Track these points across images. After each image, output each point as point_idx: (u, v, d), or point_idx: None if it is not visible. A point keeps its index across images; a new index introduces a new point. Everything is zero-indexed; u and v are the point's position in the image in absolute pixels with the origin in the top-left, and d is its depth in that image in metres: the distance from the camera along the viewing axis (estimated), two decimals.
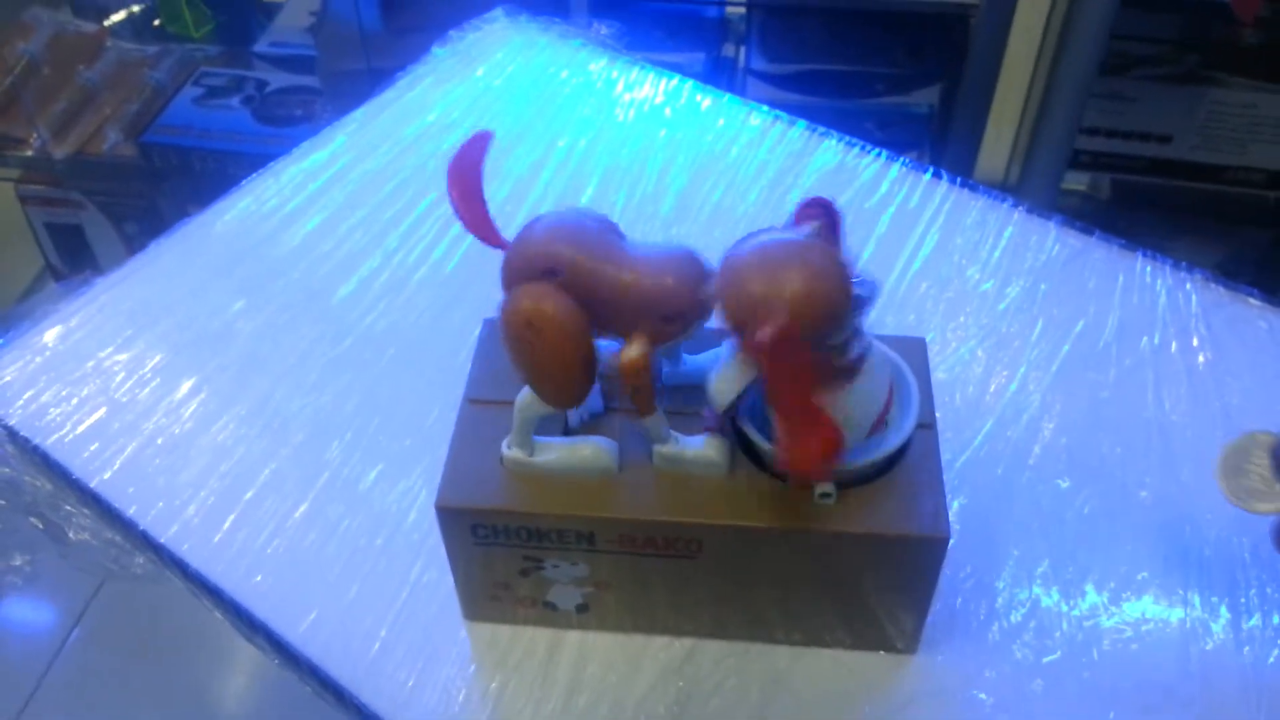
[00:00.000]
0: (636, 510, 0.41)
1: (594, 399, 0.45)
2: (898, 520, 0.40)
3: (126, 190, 1.37)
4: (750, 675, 0.46)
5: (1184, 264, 0.62)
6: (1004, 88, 1.21)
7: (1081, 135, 1.23)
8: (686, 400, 0.44)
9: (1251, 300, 0.60)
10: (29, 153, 1.34)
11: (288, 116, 1.32)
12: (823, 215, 0.38)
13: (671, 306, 0.39)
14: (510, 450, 0.42)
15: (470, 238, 0.42)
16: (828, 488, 0.41)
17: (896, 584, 0.43)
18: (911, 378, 0.43)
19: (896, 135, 1.22)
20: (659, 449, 0.42)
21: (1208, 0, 1.13)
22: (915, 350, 0.46)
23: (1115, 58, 1.21)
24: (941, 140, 1.25)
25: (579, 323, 0.39)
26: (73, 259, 1.48)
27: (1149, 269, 0.62)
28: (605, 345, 0.42)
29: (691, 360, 0.45)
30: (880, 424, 0.41)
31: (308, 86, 1.35)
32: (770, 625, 0.46)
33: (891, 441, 0.41)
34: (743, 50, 1.26)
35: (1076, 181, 1.35)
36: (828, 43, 1.21)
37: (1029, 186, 1.13)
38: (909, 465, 0.42)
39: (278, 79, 1.37)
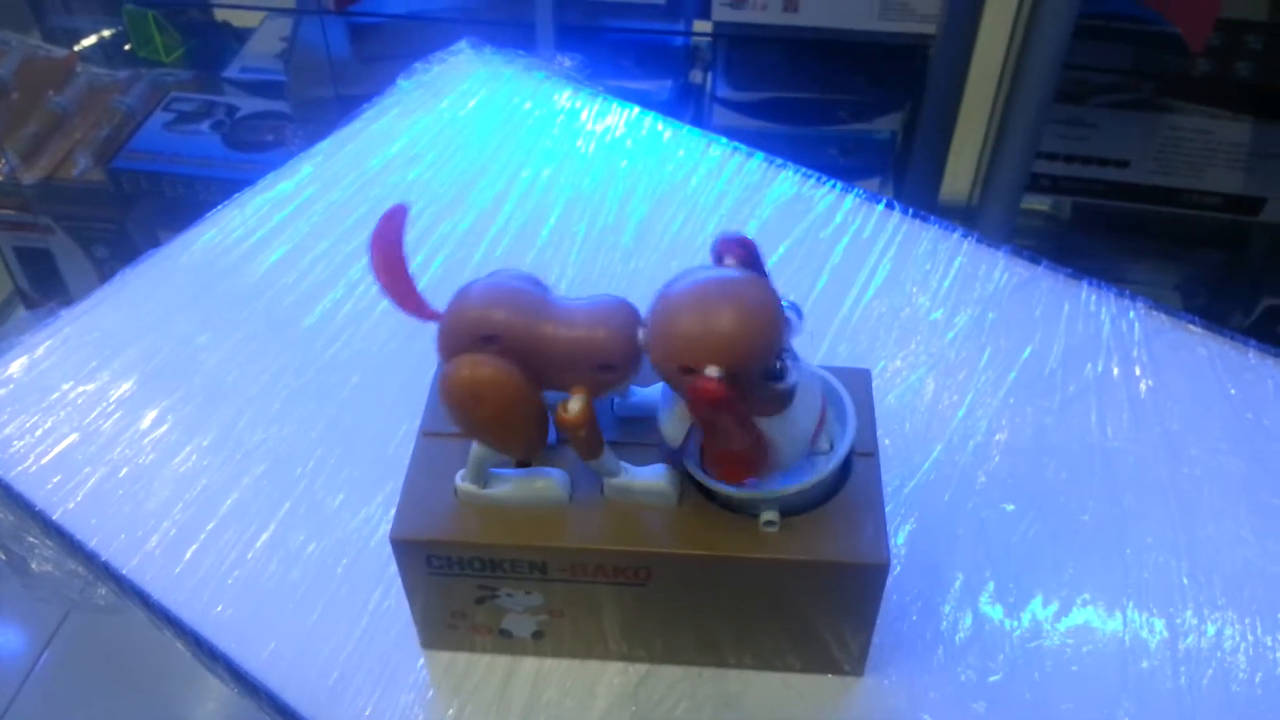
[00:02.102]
0: (586, 540, 0.42)
1: (551, 430, 0.46)
2: (839, 548, 0.42)
3: (96, 215, 1.38)
4: (702, 699, 0.47)
5: (1127, 292, 0.64)
6: (966, 114, 1.24)
7: (1042, 160, 1.26)
8: (636, 432, 0.45)
9: (1192, 327, 0.62)
10: None
11: (258, 142, 1.33)
12: (742, 252, 0.39)
13: (606, 357, 0.40)
14: (464, 483, 0.43)
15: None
16: (772, 516, 0.42)
17: (840, 609, 0.44)
18: (849, 403, 0.44)
19: (859, 161, 1.24)
20: (609, 480, 0.43)
21: (1160, 31, 1.16)
22: (860, 381, 0.48)
23: (1074, 85, 1.24)
24: (903, 165, 1.27)
25: (523, 387, 0.40)
26: (42, 284, 1.48)
27: (1094, 297, 0.64)
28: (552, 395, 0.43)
29: (640, 392, 0.46)
30: (815, 440, 0.42)
31: (278, 112, 1.36)
32: (721, 650, 0.47)
33: (828, 465, 0.42)
34: (709, 77, 1.28)
35: (1039, 203, 1.38)
36: (791, 71, 1.23)
37: (989, 209, 1.15)
38: (851, 493, 0.44)
39: (248, 104, 1.38)
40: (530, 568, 0.43)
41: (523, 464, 0.45)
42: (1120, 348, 0.61)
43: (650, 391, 0.46)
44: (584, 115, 0.79)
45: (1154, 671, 0.48)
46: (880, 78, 1.24)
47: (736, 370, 0.37)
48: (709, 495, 0.44)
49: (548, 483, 0.43)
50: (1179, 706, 0.46)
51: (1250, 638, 0.49)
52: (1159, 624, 0.49)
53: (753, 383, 0.38)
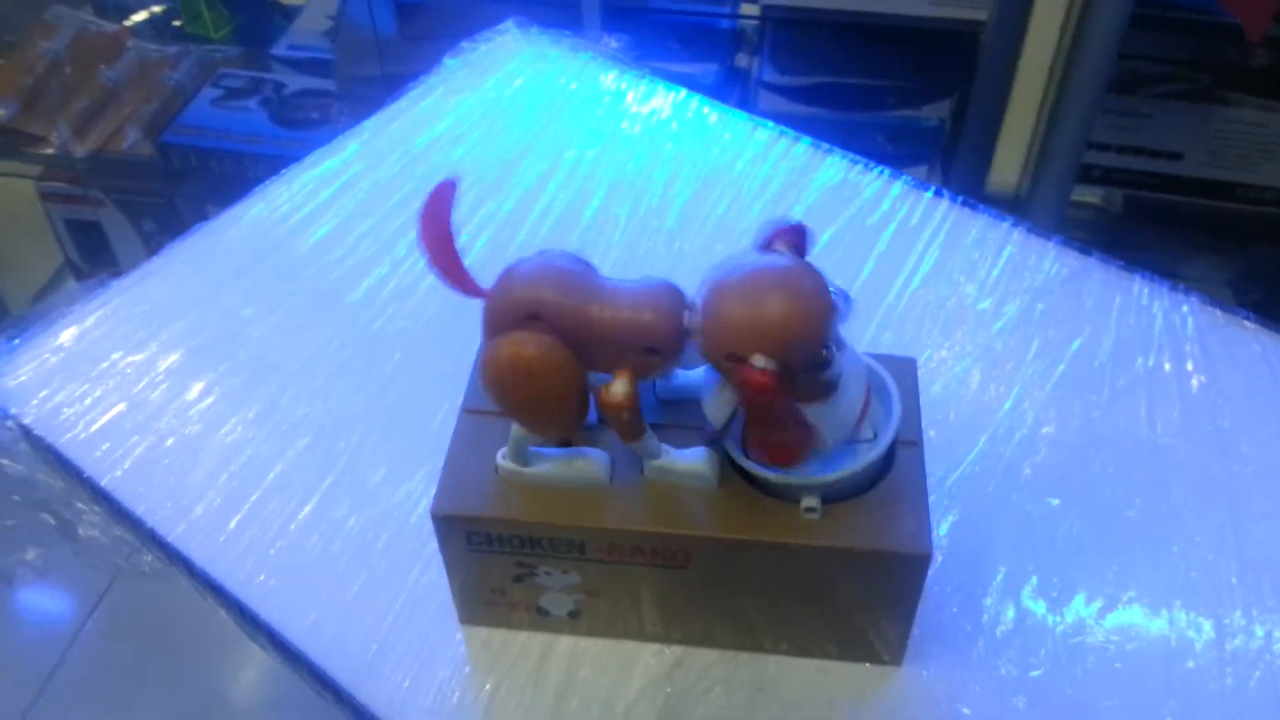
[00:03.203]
0: (626, 521, 0.42)
1: (591, 410, 0.46)
2: (881, 536, 0.41)
3: (145, 189, 1.40)
4: (737, 683, 0.47)
5: (1181, 286, 0.63)
6: (1016, 102, 1.22)
7: (1093, 150, 1.23)
8: (678, 415, 0.45)
9: (1246, 323, 0.61)
10: (50, 150, 1.36)
11: (304, 119, 1.34)
12: (793, 237, 0.39)
13: (652, 340, 0.40)
14: (505, 461, 0.44)
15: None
16: (813, 503, 0.42)
17: (880, 598, 0.44)
18: (895, 391, 0.44)
19: (906, 148, 1.22)
20: (649, 462, 0.43)
21: (1217, 21, 1.13)
22: (905, 370, 0.47)
23: (1127, 75, 1.22)
24: (951, 153, 1.25)
25: (567, 363, 0.40)
26: (91, 256, 1.51)
27: (1146, 290, 0.63)
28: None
29: (683, 375, 0.46)
30: (859, 427, 0.42)
31: (324, 90, 1.36)
32: (758, 635, 0.47)
33: (871, 454, 0.42)
34: (755, 61, 1.27)
35: (1091, 195, 1.36)
36: (839, 56, 1.22)
37: (1038, 200, 1.13)
38: (894, 482, 0.43)
39: (295, 82, 1.39)
40: (569, 547, 0.43)
41: (564, 444, 0.45)
42: (1172, 342, 0.60)
43: (694, 374, 0.46)
44: (629, 97, 0.78)
45: (1200, 671, 0.47)
46: (929, 64, 1.23)
47: (784, 359, 0.37)
48: (750, 480, 0.43)
49: (588, 463, 0.43)
50: (1225, 708, 0.46)
51: None
52: (1206, 624, 0.48)
53: (799, 371, 0.38)
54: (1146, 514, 0.53)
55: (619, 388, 0.40)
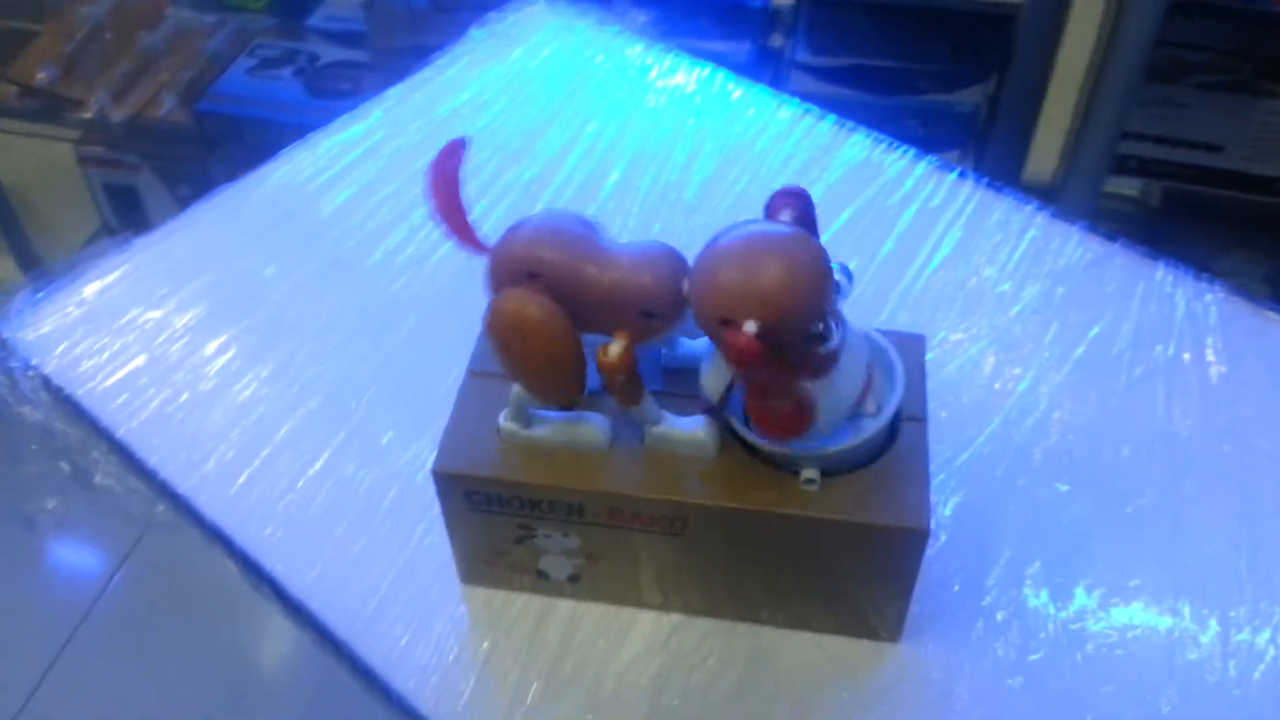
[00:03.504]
0: (624, 485, 0.42)
1: (594, 376, 0.46)
2: (879, 510, 0.41)
3: (180, 155, 1.41)
4: (733, 653, 0.47)
5: (1205, 275, 0.62)
6: (1056, 90, 1.20)
7: (1130, 140, 1.21)
8: (681, 384, 0.45)
9: (1270, 314, 0.60)
10: (88, 115, 1.38)
11: (337, 90, 1.35)
12: (797, 204, 0.38)
13: (651, 303, 0.40)
14: (507, 422, 0.44)
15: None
16: (813, 474, 0.42)
17: (878, 573, 0.44)
18: (900, 366, 0.43)
19: (939, 133, 1.21)
20: (650, 429, 0.43)
21: (1262, 10, 1.11)
22: (913, 346, 0.47)
23: (1168, 64, 1.19)
24: (986, 140, 1.24)
25: (562, 324, 0.40)
26: (128, 219, 1.53)
27: (1170, 278, 0.62)
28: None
29: (688, 344, 0.46)
30: (861, 403, 0.41)
31: (357, 61, 1.37)
32: (756, 606, 0.47)
33: (871, 426, 0.42)
34: (788, 41, 1.26)
35: (1128, 187, 1.33)
36: (874, 37, 1.20)
37: (1070, 189, 1.12)
38: (896, 457, 0.43)
39: (330, 53, 1.39)
40: (568, 510, 0.44)
41: (566, 408, 0.45)
42: (1193, 331, 0.59)
43: (698, 344, 0.46)
44: (654, 72, 0.78)
45: (1202, 663, 0.46)
46: (965, 48, 1.21)
47: (776, 327, 0.36)
48: (751, 451, 0.43)
49: (589, 427, 0.43)
50: (1226, 700, 0.45)
51: None
52: (1212, 616, 0.48)
53: (795, 343, 0.38)
54: (1157, 504, 0.52)
55: (615, 349, 0.40)
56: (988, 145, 1.24)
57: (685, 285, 0.39)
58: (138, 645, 1.20)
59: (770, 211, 0.40)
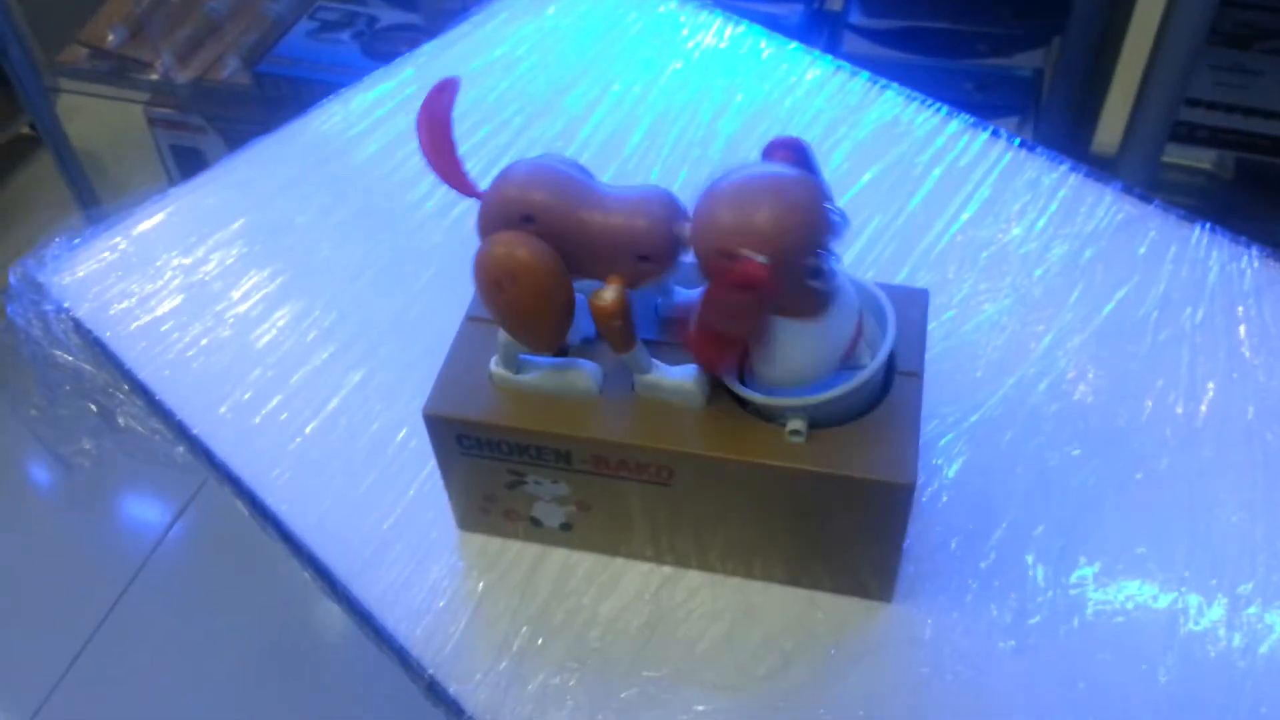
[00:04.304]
0: (610, 433, 0.42)
1: (589, 324, 0.46)
2: (863, 463, 0.41)
3: (242, 116, 1.44)
4: (723, 605, 0.47)
5: (1243, 238, 0.59)
6: (1128, 56, 1.16)
7: (1200, 109, 1.17)
8: (674, 331, 0.45)
9: None
10: (155, 76, 1.41)
11: (393, 52, 1.35)
12: (791, 155, 0.38)
13: (645, 247, 0.39)
14: (498, 368, 0.44)
15: None
16: (799, 425, 0.41)
17: (865, 528, 0.43)
18: (893, 319, 0.42)
19: (997, 98, 1.18)
20: (640, 377, 0.43)
21: None
22: (915, 300, 0.46)
23: (1239, 28, 1.14)
24: (1049, 107, 1.20)
25: (555, 268, 0.39)
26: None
27: (1204, 241, 0.60)
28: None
29: (685, 294, 0.46)
30: (854, 354, 0.41)
31: (415, 24, 1.38)
32: (748, 559, 0.47)
33: (858, 377, 0.41)
34: (843, 2, 1.23)
35: (1202, 159, 1.28)
36: None
37: (1129, 159, 1.08)
38: (888, 410, 0.42)
39: (388, 16, 1.41)
40: (555, 456, 0.44)
41: (558, 354, 0.45)
42: (1225, 295, 0.57)
43: (695, 293, 0.46)
44: (687, 29, 0.77)
45: (1206, 635, 0.45)
46: (1026, 10, 1.17)
47: (775, 260, 0.36)
48: (742, 403, 0.43)
49: (579, 374, 0.43)
50: (1229, 673, 0.44)
51: None
52: (1220, 587, 0.46)
53: (792, 279, 0.37)
54: (1173, 471, 0.50)
55: (609, 294, 0.40)
56: (1049, 113, 1.20)
57: (685, 228, 0.39)
58: (194, 595, 1.24)
59: (767, 157, 0.39)
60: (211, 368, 0.57)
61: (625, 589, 0.47)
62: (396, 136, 0.71)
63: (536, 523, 0.48)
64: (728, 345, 0.39)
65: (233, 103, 1.42)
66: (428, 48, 0.78)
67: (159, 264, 0.63)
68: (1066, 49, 1.15)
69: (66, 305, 0.61)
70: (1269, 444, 0.50)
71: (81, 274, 0.63)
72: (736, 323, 0.38)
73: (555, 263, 0.40)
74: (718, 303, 0.38)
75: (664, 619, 0.46)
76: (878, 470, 0.40)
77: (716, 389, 0.43)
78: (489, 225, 0.41)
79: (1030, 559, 0.47)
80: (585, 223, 0.40)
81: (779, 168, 0.38)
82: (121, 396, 0.58)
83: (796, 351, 0.39)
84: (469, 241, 0.63)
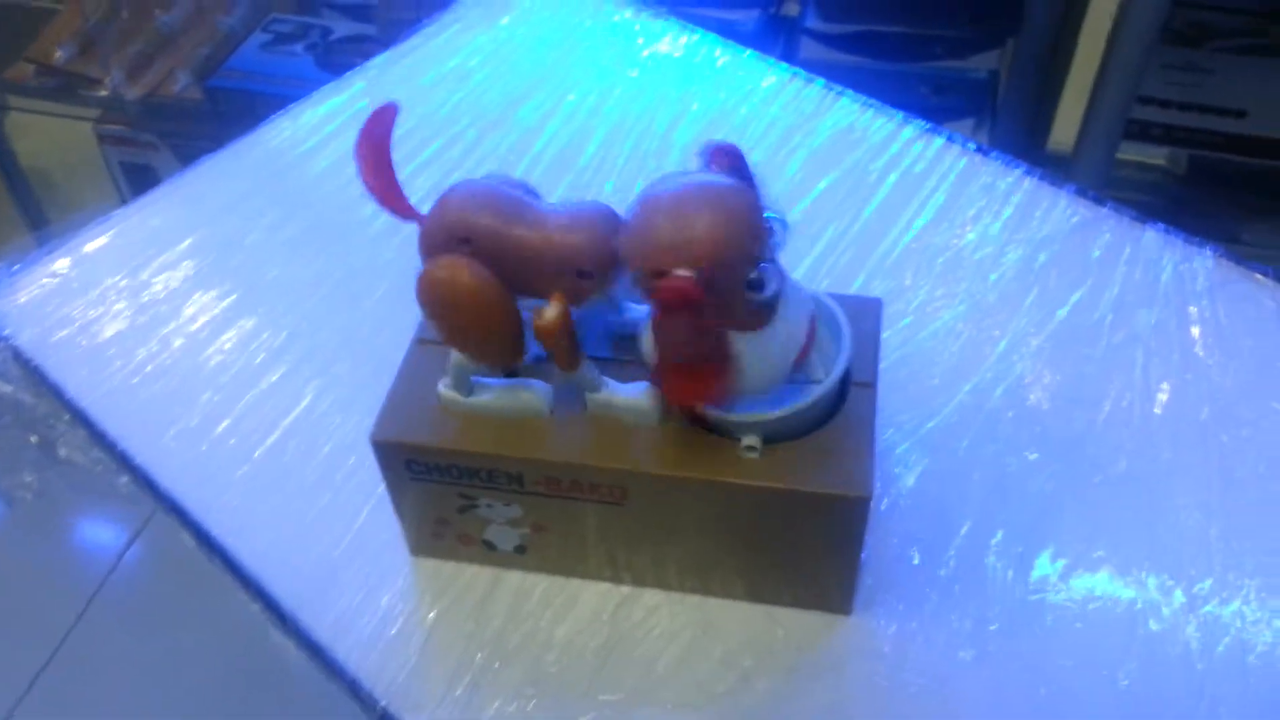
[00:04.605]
0: (560, 454, 0.42)
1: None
2: (819, 478, 0.40)
3: (195, 132, 1.42)
4: (681, 623, 0.46)
5: (1197, 239, 0.60)
6: (1083, 56, 1.16)
7: (1153, 107, 1.18)
8: (627, 350, 0.44)
9: (1261, 278, 0.57)
10: (104, 93, 1.39)
11: (348, 64, 1.33)
12: (726, 161, 0.37)
13: (583, 262, 0.39)
14: (446, 389, 0.43)
15: None
16: (754, 441, 0.41)
17: (822, 543, 0.43)
18: (847, 330, 0.42)
19: (952, 101, 1.18)
20: (591, 396, 0.42)
21: None
22: (869, 310, 0.45)
23: (1191, 27, 1.16)
24: (1003, 109, 1.21)
25: (495, 290, 0.39)
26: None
27: (1158, 242, 0.60)
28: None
29: (636, 310, 0.45)
30: (804, 364, 0.40)
31: (369, 35, 1.37)
32: (706, 577, 0.46)
33: (814, 392, 0.40)
34: (799, 8, 1.23)
35: (1154, 155, 1.30)
36: (885, 2, 1.18)
37: (1084, 157, 1.09)
38: (842, 423, 0.42)
39: (342, 27, 1.39)
40: (507, 478, 0.43)
41: (508, 374, 0.44)
42: (1178, 296, 0.57)
43: (645, 309, 0.45)
44: (642, 38, 0.77)
45: (1165, 635, 0.45)
46: (981, 13, 1.18)
47: (710, 275, 0.35)
48: (696, 419, 0.42)
49: (529, 394, 0.43)
50: (1188, 674, 0.44)
51: (1278, 610, 0.45)
52: (1177, 588, 0.46)
53: (730, 293, 0.37)
54: (1130, 473, 0.50)
55: (550, 312, 0.39)
56: (1005, 114, 1.21)
57: (619, 241, 0.38)
58: (153, 617, 1.22)
59: (704, 165, 0.39)
60: (157, 394, 0.56)
61: (582, 610, 0.47)
62: (347, 152, 0.69)
63: (490, 546, 0.47)
64: (699, 376, 0.38)
65: (185, 118, 1.40)
66: (378, 60, 0.77)
67: (103, 287, 0.62)
68: (1021, 50, 1.16)
69: (6, 333, 0.59)
70: (1224, 445, 0.51)
71: (23, 300, 0.61)
72: (685, 346, 0.37)
73: (494, 285, 0.39)
74: (659, 327, 0.37)
75: (622, 640, 0.46)
76: (834, 484, 0.40)
77: (670, 405, 0.43)
78: (429, 249, 0.40)
79: (989, 565, 0.47)
80: (523, 241, 0.39)
81: (711, 177, 0.37)
82: (63, 427, 0.56)
83: (744, 362, 0.38)
84: (417, 261, 0.62)
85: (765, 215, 0.37)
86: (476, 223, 0.39)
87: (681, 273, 0.35)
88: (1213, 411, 0.52)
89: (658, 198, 0.36)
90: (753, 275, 0.37)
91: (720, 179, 0.37)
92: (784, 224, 0.38)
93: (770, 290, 0.37)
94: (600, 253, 0.39)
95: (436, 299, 0.39)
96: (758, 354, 0.38)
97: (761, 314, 0.38)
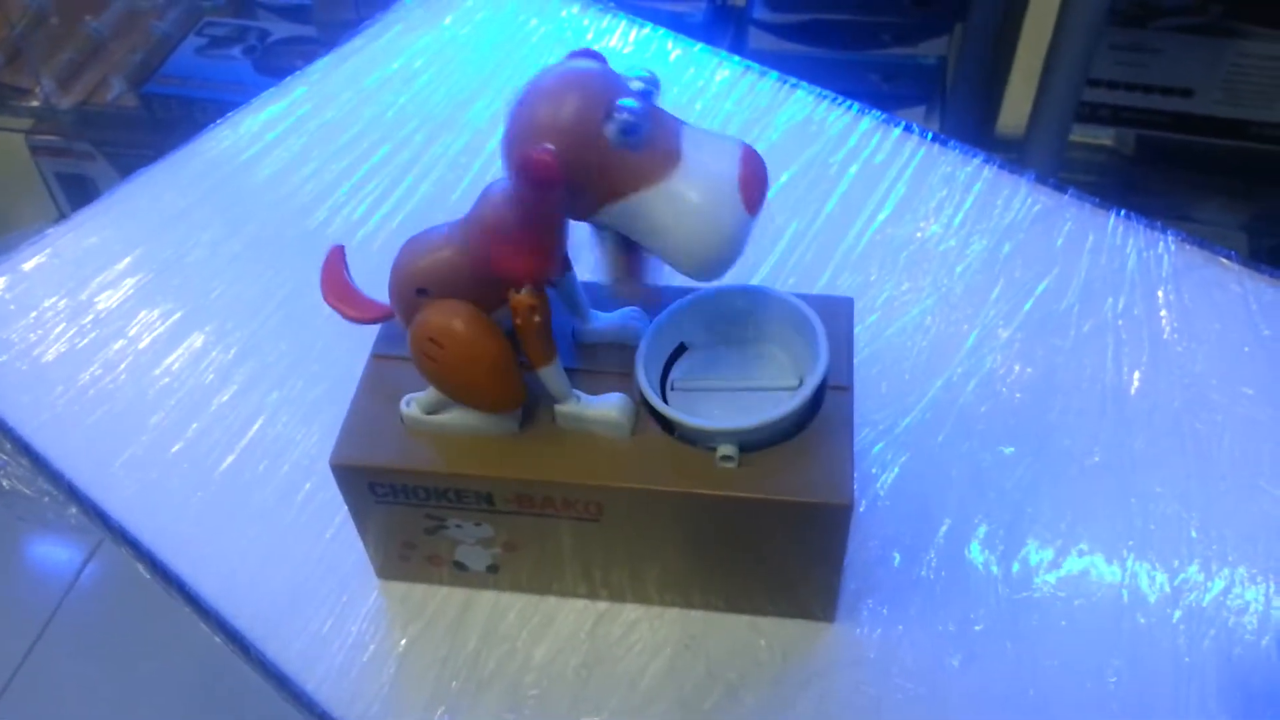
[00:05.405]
0: (533, 470, 0.40)
1: None
2: (799, 486, 0.39)
3: (132, 141, 1.38)
4: (662, 638, 0.45)
5: (1159, 224, 0.60)
6: (1028, 40, 1.17)
7: (1100, 88, 1.18)
8: (595, 359, 0.43)
9: (1226, 262, 0.57)
10: (35, 103, 1.34)
11: (288, 67, 1.30)
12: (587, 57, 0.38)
13: (498, 225, 0.37)
14: (410, 409, 0.41)
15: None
16: (730, 451, 0.39)
17: (803, 551, 0.42)
18: (822, 333, 0.41)
19: (902, 88, 1.18)
20: (560, 408, 0.41)
21: None
22: (840, 310, 0.44)
23: (1136, 8, 1.16)
24: (953, 94, 1.21)
25: (480, 322, 0.39)
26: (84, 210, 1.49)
27: (1121, 228, 0.60)
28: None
29: (603, 319, 0.44)
30: (756, 199, 0.37)
31: (308, 37, 1.33)
32: (686, 590, 0.45)
33: (791, 403, 0.39)
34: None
35: (1102, 136, 1.31)
36: None
37: (1036, 140, 1.09)
38: (819, 429, 0.41)
39: (280, 29, 1.36)
40: (476, 498, 0.41)
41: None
42: (1145, 282, 0.57)
43: (613, 318, 0.44)
44: (591, 34, 0.75)
45: (1150, 629, 0.44)
46: None
47: (570, 140, 0.34)
48: (669, 429, 0.41)
49: None
50: (1175, 668, 0.43)
51: (1260, 598, 0.45)
52: (1161, 578, 0.46)
53: (598, 150, 0.35)
54: (1106, 463, 0.50)
55: (524, 292, 0.38)
56: (955, 99, 1.21)
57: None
58: (111, 640, 1.19)
59: None
60: (103, 419, 0.54)
61: (560, 629, 0.45)
62: (291, 160, 0.67)
63: (461, 566, 0.45)
64: (526, 251, 0.38)
65: (120, 126, 1.36)
66: (320, 64, 0.74)
67: (42, 308, 0.59)
68: (969, 35, 1.16)
69: None
70: (1199, 431, 0.50)
71: None
72: (540, 219, 0.37)
73: (479, 317, 0.39)
74: (524, 206, 0.36)
75: (602, 657, 0.44)
76: (813, 492, 0.39)
77: (642, 417, 0.41)
78: (404, 315, 0.41)
79: (971, 564, 0.46)
80: (464, 264, 0.39)
81: (553, 67, 0.37)
82: (5, 457, 0.54)
83: (682, 219, 0.36)
84: (376, 267, 0.60)
85: (622, 76, 0.36)
86: (422, 270, 0.39)
87: (538, 148, 0.34)
88: (1185, 399, 0.52)
89: (515, 103, 0.36)
90: (618, 121, 0.35)
91: (560, 65, 0.37)
92: (655, 80, 0.37)
93: (649, 130, 0.35)
94: (502, 207, 0.37)
95: (430, 347, 0.39)
96: (692, 201, 0.36)
97: (655, 158, 0.35)
